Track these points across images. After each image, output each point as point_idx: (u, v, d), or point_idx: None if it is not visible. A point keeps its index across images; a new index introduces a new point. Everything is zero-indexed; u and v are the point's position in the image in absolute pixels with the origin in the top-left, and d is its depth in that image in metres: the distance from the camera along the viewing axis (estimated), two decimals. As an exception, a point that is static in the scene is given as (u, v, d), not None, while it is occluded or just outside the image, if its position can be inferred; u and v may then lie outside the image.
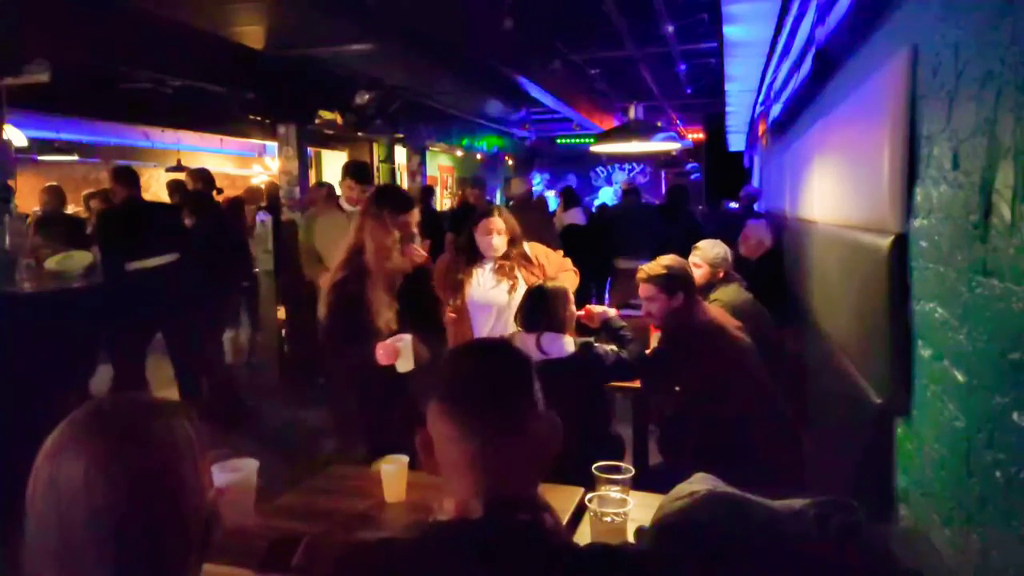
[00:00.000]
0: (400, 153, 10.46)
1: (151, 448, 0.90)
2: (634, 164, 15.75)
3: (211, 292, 5.15)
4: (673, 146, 6.80)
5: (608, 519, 1.65)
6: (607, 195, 13.78)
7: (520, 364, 1.08)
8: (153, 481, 0.89)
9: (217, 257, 5.33)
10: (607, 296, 7.40)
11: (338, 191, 4.81)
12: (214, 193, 5.97)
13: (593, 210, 9.29)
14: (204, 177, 5.85)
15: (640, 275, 2.91)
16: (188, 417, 0.96)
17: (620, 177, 14.58)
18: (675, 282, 2.81)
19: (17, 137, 5.93)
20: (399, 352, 2.57)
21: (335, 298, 2.65)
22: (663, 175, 15.11)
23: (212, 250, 5.26)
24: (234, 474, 1.72)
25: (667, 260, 2.89)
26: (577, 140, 13.39)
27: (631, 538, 1.70)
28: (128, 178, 4.75)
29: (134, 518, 0.88)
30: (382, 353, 2.55)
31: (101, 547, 0.86)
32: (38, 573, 0.87)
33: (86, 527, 0.86)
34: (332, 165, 10.67)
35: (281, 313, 6.16)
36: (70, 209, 7.28)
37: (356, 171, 4.40)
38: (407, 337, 2.59)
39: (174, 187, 6.68)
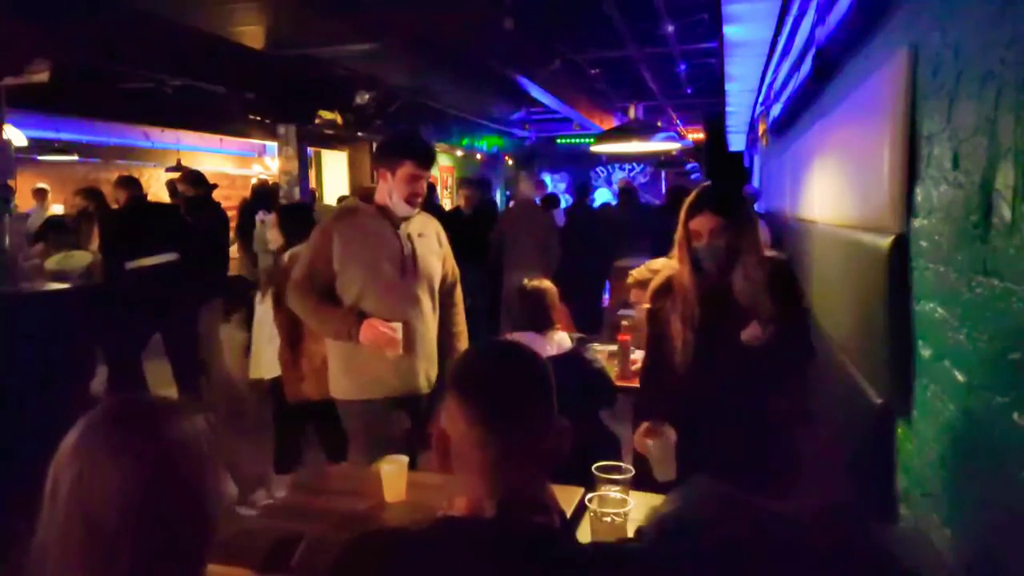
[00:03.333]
0: (400, 153, 10.45)
1: (180, 447, 0.92)
2: (634, 164, 15.74)
3: (209, 292, 5.16)
4: (673, 146, 6.79)
5: (608, 519, 1.64)
6: (605, 195, 13.78)
7: (543, 367, 1.08)
8: (182, 479, 0.91)
9: (216, 257, 5.35)
10: (606, 296, 7.39)
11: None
12: (213, 192, 5.93)
13: (594, 206, 9.33)
14: (196, 180, 5.76)
15: (629, 280, 2.92)
16: (206, 418, 0.98)
17: (620, 176, 14.58)
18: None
19: (17, 137, 5.94)
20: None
21: (648, 331, 2.24)
22: (663, 175, 15.09)
23: (211, 250, 5.27)
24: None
25: (656, 264, 2.90)
26: (577, 140, 13.37)
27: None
28: (129, 182, 4.98)
29: (162, 514, 0.89)
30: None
31: (129, 543, 0.87)
32: (58, 569, 0.87)
33: (115, 523, 0.87)
34: (332, 165, 10.66)
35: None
36: (59, 209, 7.35)
37: (419, 149, 2.56)
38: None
39: (173, 187, 6.69)
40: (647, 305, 2.22)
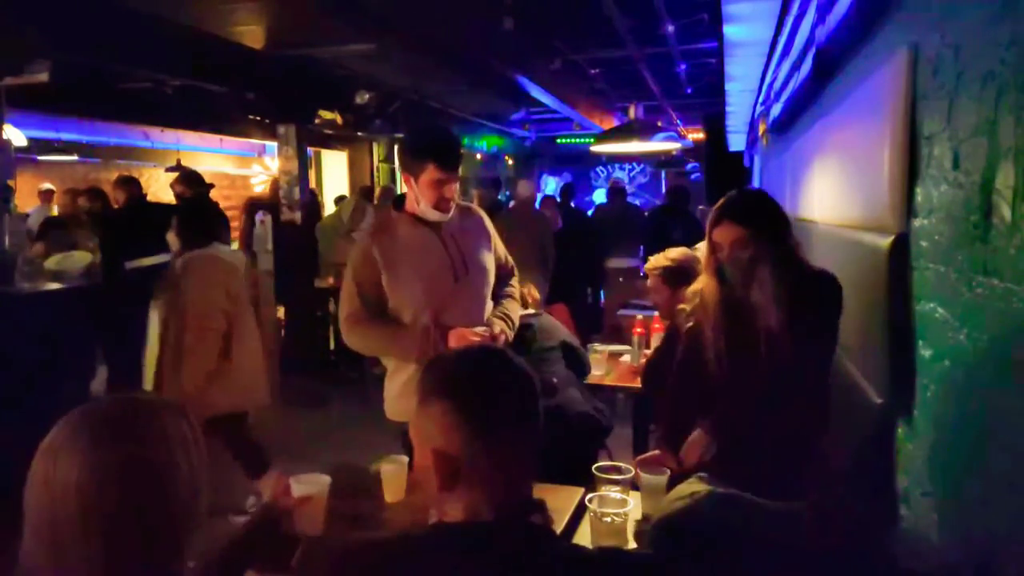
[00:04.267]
0: (400, 153, 10.45)
1: (143, 445, 0.92)
2: (634, 164, 15.74)
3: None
4: (673, 146, 6.80)
5: (608, 519, 1.64)
6: (602, 196, 13.80)
7: (526, 365, 1.08)
8: (144, 478, 0.91)
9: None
10: (602, 296, 7.39)
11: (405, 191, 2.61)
12: (210, 192, 5.91)
13: (591, 211, 9.36)
14: (193, 179, 5.71)
15: (647, 267, 2.96)
16: (184, 415, 0.97)
17: (618, 176, 14.58)
18: (680, 275, 2.81)
19: (17, 137, 5.94)
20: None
21: (684, 344, 2.14)
22: (663, 175, 15.09)
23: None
24: (311, 486, 1.72)
25: (674, 253, 2.92)
26: (577, 140, 13.37)
27: (631, 538, 1.70)
28: (129, 182, 5.06)
29: (124, 514, 0.89)
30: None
31: (92, 542, 0.87)
32: (34, 569, 0.88)
33: (77, 523, 0.87)
34: (332, 165, 10.67)
35: (280, 313, 6.15)
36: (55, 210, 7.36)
37: (441, 150, 2.30)
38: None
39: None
40: (690, 324, 2.14)
